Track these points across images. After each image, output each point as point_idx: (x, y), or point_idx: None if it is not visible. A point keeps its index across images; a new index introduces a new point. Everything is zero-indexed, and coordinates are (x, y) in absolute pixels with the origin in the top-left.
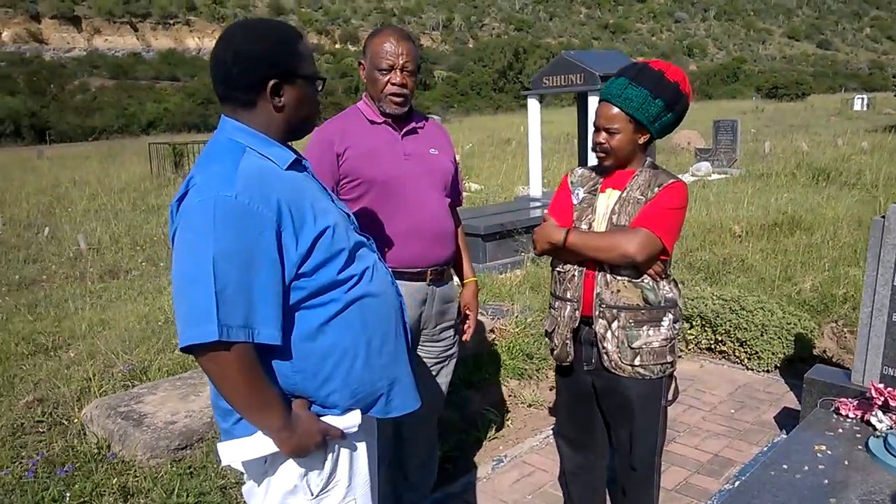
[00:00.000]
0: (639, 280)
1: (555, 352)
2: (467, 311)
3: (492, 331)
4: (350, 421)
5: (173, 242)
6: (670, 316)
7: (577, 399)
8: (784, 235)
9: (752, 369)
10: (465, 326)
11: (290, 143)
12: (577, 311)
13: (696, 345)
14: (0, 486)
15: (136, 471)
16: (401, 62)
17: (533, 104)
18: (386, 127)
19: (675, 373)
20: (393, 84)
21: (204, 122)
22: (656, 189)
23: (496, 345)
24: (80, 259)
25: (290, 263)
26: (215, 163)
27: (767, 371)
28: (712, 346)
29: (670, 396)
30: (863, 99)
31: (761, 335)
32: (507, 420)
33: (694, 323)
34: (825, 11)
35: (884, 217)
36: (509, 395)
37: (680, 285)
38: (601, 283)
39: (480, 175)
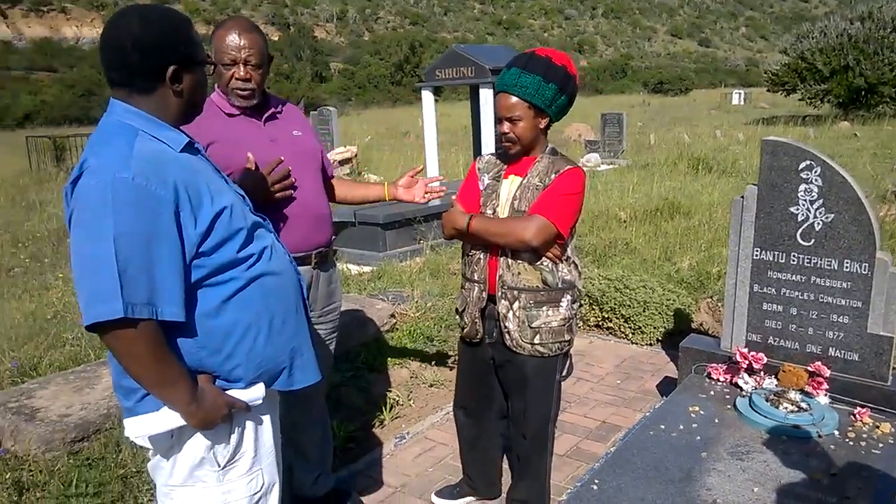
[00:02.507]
0: (538, 263)
1: (465, 329)
2: (402, 186)
3: (392, 315)
4: (254, 394)
5: (70, 225)
6: (568, 297)
7: (477, 370)
8: (665, 220)
9: (637, 343)
10: (425, 190)
11: (181, 127)
12: (483, 292)
13: (585, 322)
14: None
15: (30, 465)
16: (244, 56)
17: (427, 96)
18: (244, 117)
19: (570, 350)
20: (237, 79)
21: (86, 114)
22: (553, 175)
23: (398, 329)
24: None
25: (189, 243)
26: (108, 145)
27: (650, 345)
28: (600, 324)
29: (565, 372)
30: (740, 94)
31: (643, 311)
32: (410, 400)
33: (583, 302)
34: (704, 11)
35: (742, 197)
36: (411, 377)
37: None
38: (503, 265)
39: (379, 167)
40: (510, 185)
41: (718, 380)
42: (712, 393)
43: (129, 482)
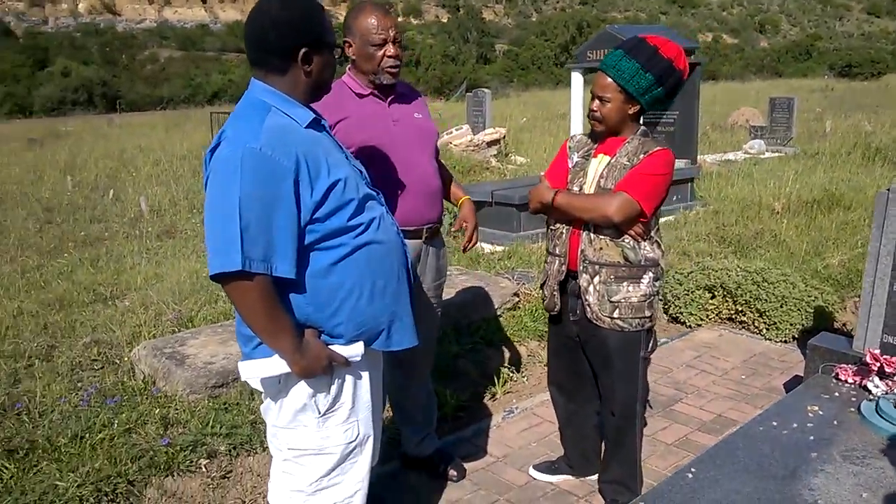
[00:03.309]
0: (619, 239)
1: (545, 301)
2: (464, 223)
3: (516, 294)
4: (354, 350)
5: (206, 186)
6: (650, 274)
7: (564, 347)
8: (822, 213)
9: (770, 339)
10: (466, 238)
11: (310, 105)
12: (563, 266)
13: (717, 314)
14: (59, 412)
15: (176, 404)
16: (392, 35)
17: (576, 78)
18: (372, 98)
19: (654, 327)
20: (389, 56)
21: None
22: (641, 156)
23: (520, 308)
24: (140, 219)
25: (305, 209)
26: (244, 119)
27: (785, 342)
28: (732, 317)
29: (650, 349)
30: None
31: (781, 307)
32: (523, 376)
33: (716, 293)
34: None
35: (889, 190)
36: (528, 355)
37: (704, 255)
38: (585, 240)
39: (529, 149)
40: (598, 164)
41: (846, 381)
42: (837, 394)
43: (256, 427)
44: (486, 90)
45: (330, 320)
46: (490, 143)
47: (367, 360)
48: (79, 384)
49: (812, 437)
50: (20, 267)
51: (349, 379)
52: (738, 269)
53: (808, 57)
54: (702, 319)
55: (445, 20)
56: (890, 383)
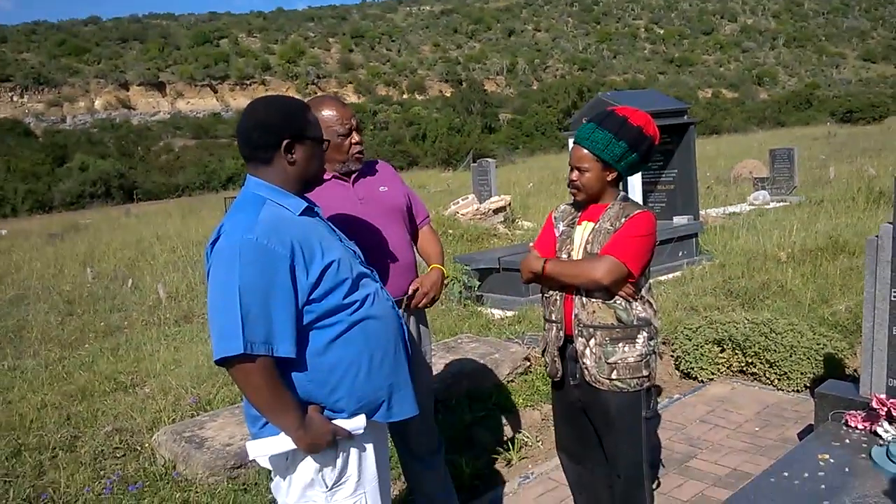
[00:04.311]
0: (611, 301)
1: (547, 368)
2: (417, 286)
3: (527, 359)
4: (356, 423)
5: (208, 278)
6: (644, 334)
7: (569, 412)
8: (827, 260)
9: (782, 389)
10: (416, 297)
11: (304, 195)
12: (560, 331)
13: (727, 367)
14: (83, 501)
15: (196, 487)
16: (354, 123)
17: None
18: (335, 181)
19: (653, 386)
20: (355, 143)
21: None
22: (623, 220)
23: (531, 372)
24: (158, 306)
25: (302, 291)
26: (241, 212)
27: (798, 391)
28: (744, 369)
29: (651, 409)
30: None
31: (790, 356)
32: (538, 441)
33: (725, 346)
34: None
35: (878, 236)
36: (542, 419)
37: (711, 309)
38: (578, 305)
39: (536, 213)
40: (583, 231)
41: (856, 427)
42: (847, 441)
43: None
44: (490, 160)
45: (331, 396)
46: (496, 211)
47: (370, 433)
48: (102, 472)
49: (823, 486)
50: (43, 360)
51: (354, 452)
52: (746, 322)
53: (808, 105)
54: (713, 374)
55: (449, 94)
56: None
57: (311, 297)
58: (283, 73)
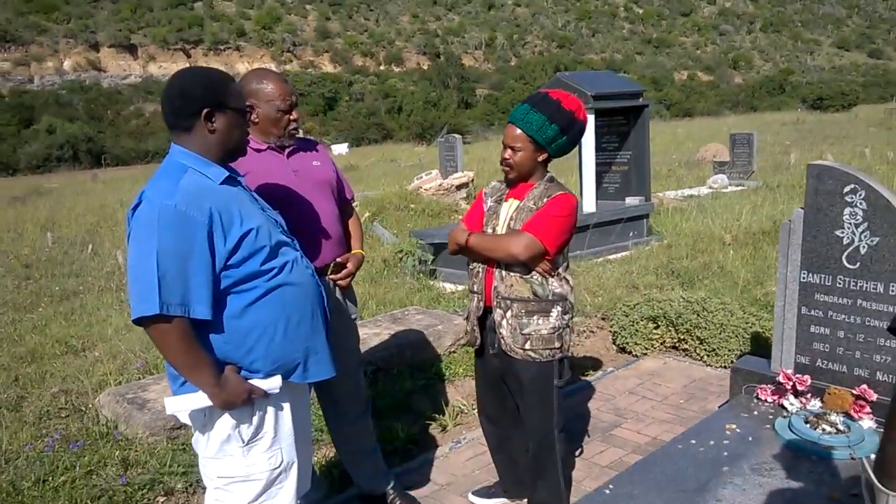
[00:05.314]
0: (528, 276)
1: (468, 336)
2: (345, 262)
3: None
4: (272, 384)
5: (129, 242)
6: (559, 308)
7: (489, 379)
8: (768, 243)
9: (710, 365)
10: (343, 274)
11: (226, 164)
12: (481, 302)
13: (661, 343)
14: (24, 458)
15: (136, 446)
16: (294, 100)
17: None
18: (270, 152)
19: (565, 357)
20: (293, 120)
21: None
22: (545, 199)
23: None
24: (115, 272)
25: (219, 257)
26: (162, 179)
27: (725, 367)
28: (676, 345)
29: (563, 378)
30: None
31: (720, 333)
32: (474, 409)
33: (659, 323)
34: (876, 20)
35: (790, 221)
36: None
37: (652, 288)
38: (498, 277)
39: None
40: (509, 208)
41: (766, 400)
42: (756, 413)
43: None
44: (457, 135)
45: (247, 357)
46: (459, 187)
47: (287, 392)
48: (45, 432)
49: (726, 454)
50: None
51: (270, 410)
52: (681, 300)
53: (781, 91)
54: (647, 349)
55: (426, 67)
56: (804, 400)
57: (228, 263)
58: (259, 39)
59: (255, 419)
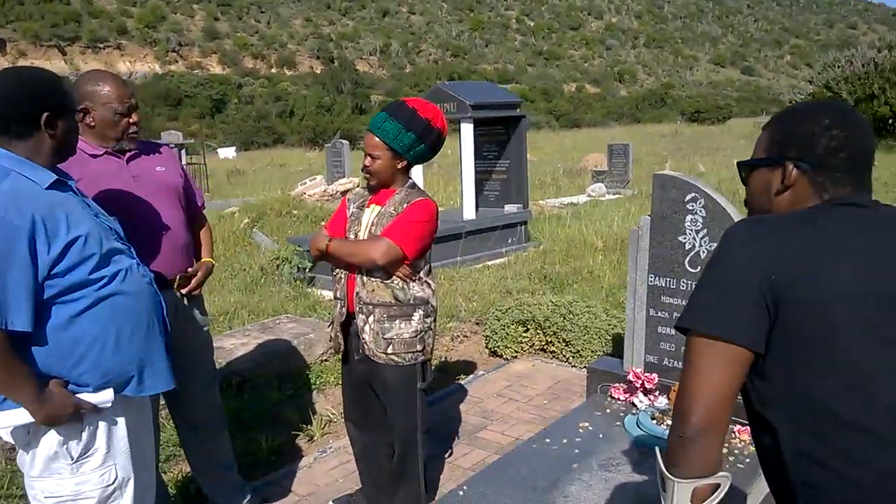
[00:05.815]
0: (389, 281)
1: (331, 342)
2: (195, 273)
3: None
4: (102, 397)
5: None
6: (420, 312)
7: (354, 385)
8: None
9: (575, 366)
10: (192, 284)
11: (56, 167)
12: (344, 308)
13: (531, 346)
14: None
15: None
16: (133, 103)
17: None
18: (108, 156)
19: (427, 360)
20: (133, 123)
21: None
22: (405, 205)
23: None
24: None
25: (42, 265)
26: None
27: (587, 368)
28: (544, 347)
29: (425, 381)
30: None
31: (584, 335)
32: (343, 417)
33: (529, 326)
34: (748, 39)
35: (638, 228)
36: None
37: (524, 293)
38: (360, 283)
39: None
40: (371, 214)
41: (619, 399)
42: (608, 411)
43: None
44: (344, 141)
45: (73, 370)
46: (344, 193)
47: (122, 406)
48: None
49: (577, 451)
50: None
51: (102, 425)
52: (550, 304)
53: (663, 104)
54: (517, 352)
55: (319, 71)
56: (652, 398)
57: (53, 272)
58: (141, 37)
59: (85, 434)
